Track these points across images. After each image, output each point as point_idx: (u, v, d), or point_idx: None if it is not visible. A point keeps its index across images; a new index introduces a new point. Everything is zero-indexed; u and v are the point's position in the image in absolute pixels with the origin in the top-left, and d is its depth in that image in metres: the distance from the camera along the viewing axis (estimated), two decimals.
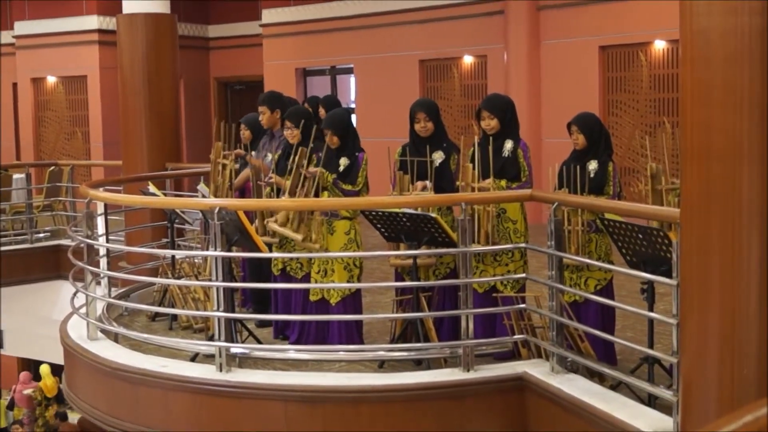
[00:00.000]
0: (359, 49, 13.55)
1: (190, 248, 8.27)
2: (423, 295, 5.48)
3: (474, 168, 5.54)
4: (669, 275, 4.27)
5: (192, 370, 5.49)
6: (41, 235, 11.64)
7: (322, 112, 7.96)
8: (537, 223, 7.14)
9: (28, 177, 11.75)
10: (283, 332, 6.25)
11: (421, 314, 5.39)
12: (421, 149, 5.74)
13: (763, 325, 3.48)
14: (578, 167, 5.33)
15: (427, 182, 5.68)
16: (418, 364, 5.44)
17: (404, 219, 5.41)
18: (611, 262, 5.29)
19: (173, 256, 7.14)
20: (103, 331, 6.29)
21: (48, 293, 11.41)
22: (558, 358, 5.03)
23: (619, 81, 10.94)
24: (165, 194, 8.53)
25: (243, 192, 7.17)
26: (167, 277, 6.97)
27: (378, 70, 13.33)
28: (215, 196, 6.80)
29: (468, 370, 5.17)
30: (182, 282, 6.71)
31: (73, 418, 12.70)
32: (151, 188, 7.27)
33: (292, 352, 5.80)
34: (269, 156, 6.76)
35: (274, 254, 6.11)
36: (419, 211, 5.43)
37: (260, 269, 6.64)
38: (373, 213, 5.51)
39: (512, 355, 5.45)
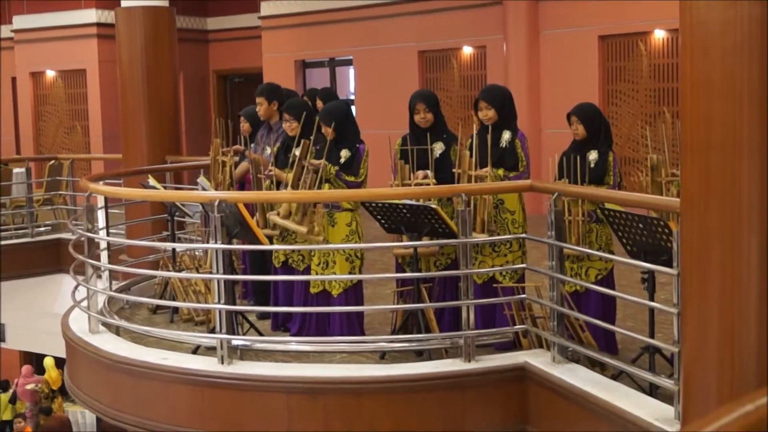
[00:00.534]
0: (358, 41, 13.53)
1: (191, 241, 8.28)
2: (423, 286, 5.48)
3: (471, 157, 5.55)
4: (669, 265, 4.28)
5: (193, 362, 5.50)
6: (42, 229, 11.64)
7: (319, 104, 7.96)
8: (537, 214, 7.15)
9: (28, 171, 11.73)
10: (285, 324, 6.26)
11: (422, 305, 5.40)
12: (421, 140, 5.75)
13: (763, 314, 3.49)
14: (578, 157, 5.33)
15: (428, 171, 5.69)
16: (420, 355, 5.45)
17: (404, 210, 5.42)
18: (612, 252, 5.30)
19: (174, 249, 7.14)
20: (104, 324, 6.30)
21: (49, 287, 11.42)
22: (559, 348, 5.04)
23: (619, 71, 10.93)
24: (165, 187, 8.53)
25: (243, 185, 7.18)
26: (168, 270, 6.98)
27: (377, 62, 13.32)
28: None
29: (469, 361, 5.18)
30: (183, 275, 6.72)
31: (74, 412, 12.74)
32: (151, 181, 7.28)
33: (293, 343, 5.80)
34: (267, 149, 6.77)
35: (275, 246, 6.11)
36: (419, 202, 5.44)
37: (261, 262, 6.64)
38: (373, 204, 5.51)
39: (513, 345, 5.46)
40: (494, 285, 5.49)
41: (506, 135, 5.63)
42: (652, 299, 4.67)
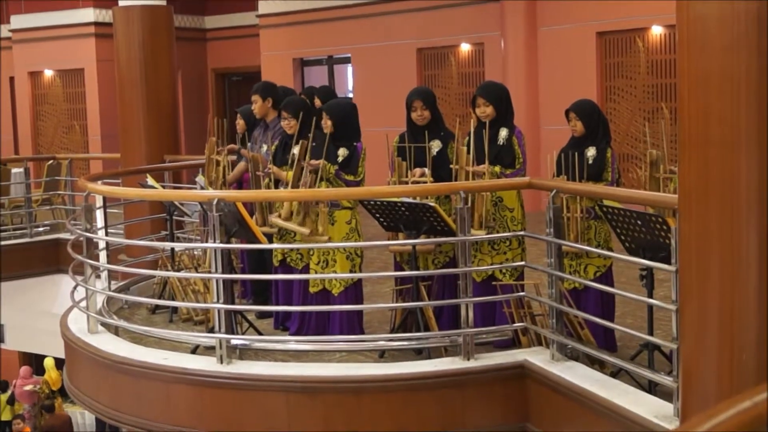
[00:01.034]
0: (356, 39, 13.52)
1: (190, 240, 8.27)
2: (422, 284, 5.48)
3: (468, 153, 5.54)
4: (668, 261, 4.27)
5: (193, 362, 5.49)
6: (40, 229, 11.63)
7: (317, 102, 7.96)
8: (536, 211, 7.14)
9: (26, 171, 11.72)
10: (284, 323, 6.25)
11: (421, 303, 5.39)
12: (418, 138, 5.74)
13: (762, 310, 3.49)
14: (576, 154, 5.32)
15: (425, 169, 5.68)
16: (419, 354, 5.45)
17: (403, 208, 5.41)
18: (610, 249, 5.30)
19: (173, 249, 7.14)
20: (103, 324, 6.29)
21: (48, 287, 11.41)
22: (558, 346, 5.04)
23: (617, 67, 10.92)
24: (163, 186, 8.53)
25: (240, 184, 7.17)
26: (167, 270, 6.97)
27: (375, 59, 13.31)
28: None
29: (468, 359, 5.18)
30: (182, 274, 6.71)
31: (74, 412, 12.73)
32: (150, 181, 7.27)
33: (292, 343, 5.80)
34: (264, 147, 6.76)
35: (274, 245, 6.10)
36: (418, 200, 5.43)
37: (260, 260, 6.64)
38: (372, 202, 5.51)
39: (512, 343, 5.46)
40: (493, 283, 5.49)
41: (503, 132, 5.63)
42: (650, 296, 4.66)
